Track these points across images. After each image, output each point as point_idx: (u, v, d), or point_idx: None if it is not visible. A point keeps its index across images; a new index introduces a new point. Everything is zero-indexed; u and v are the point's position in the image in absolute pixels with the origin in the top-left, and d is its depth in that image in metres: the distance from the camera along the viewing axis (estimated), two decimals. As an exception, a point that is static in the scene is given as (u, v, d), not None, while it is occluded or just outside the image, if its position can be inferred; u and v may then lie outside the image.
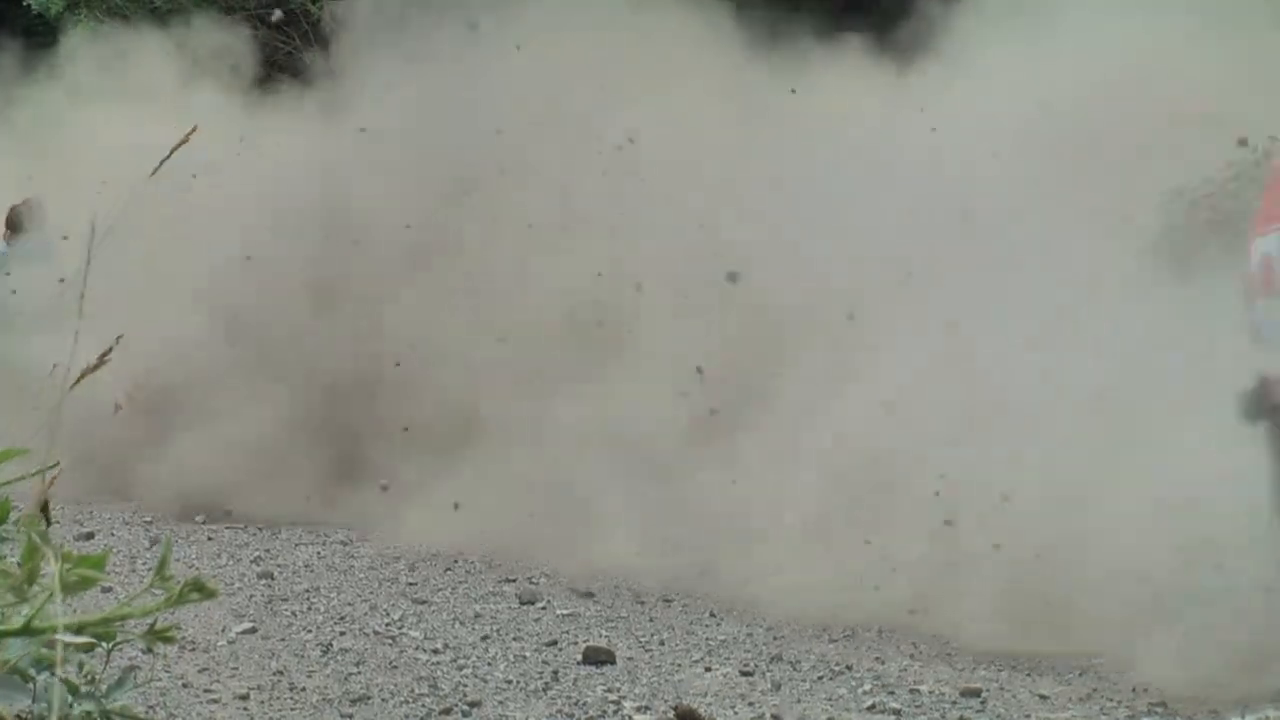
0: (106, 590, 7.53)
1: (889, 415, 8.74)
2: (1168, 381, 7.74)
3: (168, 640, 1.68)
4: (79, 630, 1.60)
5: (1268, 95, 8.79)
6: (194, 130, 2.74)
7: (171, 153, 2.59)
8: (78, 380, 2.94)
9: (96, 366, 2.99)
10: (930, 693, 7.22)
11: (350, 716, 6.87)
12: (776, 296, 10.08)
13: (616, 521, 9.71)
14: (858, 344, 9.41)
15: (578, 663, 7.68)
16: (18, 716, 1.83)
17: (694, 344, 10.21)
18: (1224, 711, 6.79)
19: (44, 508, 2.23)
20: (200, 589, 1.50)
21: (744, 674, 7.52)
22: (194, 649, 7.76)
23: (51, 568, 1.70)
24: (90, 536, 10.68)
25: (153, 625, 1.66)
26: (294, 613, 8.74)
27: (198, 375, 11.64)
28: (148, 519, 11.55)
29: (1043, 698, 7.16)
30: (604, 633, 8.31)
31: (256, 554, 10.45)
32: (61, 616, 1.67)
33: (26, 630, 1.66)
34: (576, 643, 8.03)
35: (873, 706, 7.04)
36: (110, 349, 3.01)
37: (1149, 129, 9.21)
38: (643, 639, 8.21)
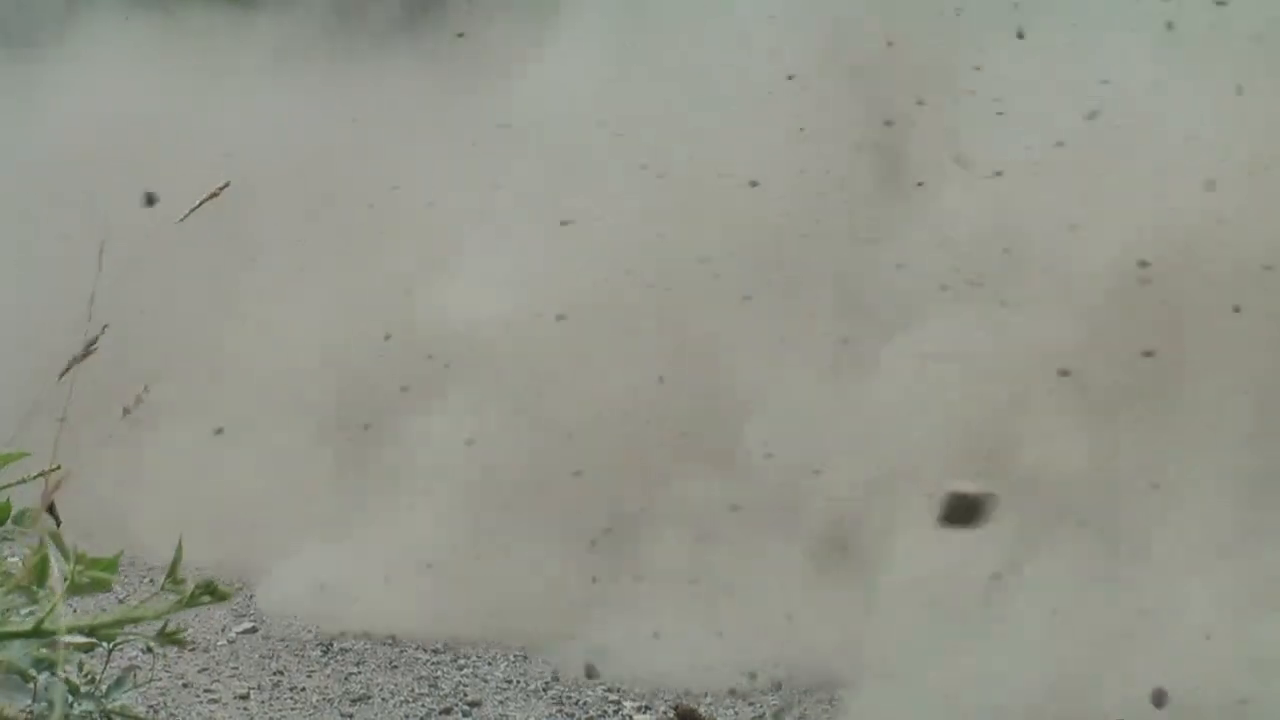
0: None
1: None
2: None
3: (179, 643, 1.68)
4: (90, 632, 1.60)
5: None
6: (226, 185, 2.74)
7: (201, 203, 2.60)
8: (66, 370, 2.94)
9: (83, 356, 2.99)
10: (930, 693, 7.23)
11: (350, 716, 6.87)
12: None
13: None
14: None
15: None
16: (22, 712, 1.83)
17: None
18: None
19: (51, 508, 2.22)
20: (212, 591, 1.50)
21: (744, 674, 7.51)
22: (194, 649, 7.75)
23: (58, 568, 1.70)
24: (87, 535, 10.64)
25: (164, 627, 1.66)
26: (294, 613, 8.73)
27: None
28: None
29: (1043, 698, 7.16)
30: (604, 633, 8.32)
31: (255, 553, 10.44)
32: (69, 617, 1.66)
33: (37, 632, 1.66)
34: (576, 643, 8.04)
35: (873, 707, 7.04)
36: (96, 338, 3.01)
37: None
38: (643, 639, 8.20)
